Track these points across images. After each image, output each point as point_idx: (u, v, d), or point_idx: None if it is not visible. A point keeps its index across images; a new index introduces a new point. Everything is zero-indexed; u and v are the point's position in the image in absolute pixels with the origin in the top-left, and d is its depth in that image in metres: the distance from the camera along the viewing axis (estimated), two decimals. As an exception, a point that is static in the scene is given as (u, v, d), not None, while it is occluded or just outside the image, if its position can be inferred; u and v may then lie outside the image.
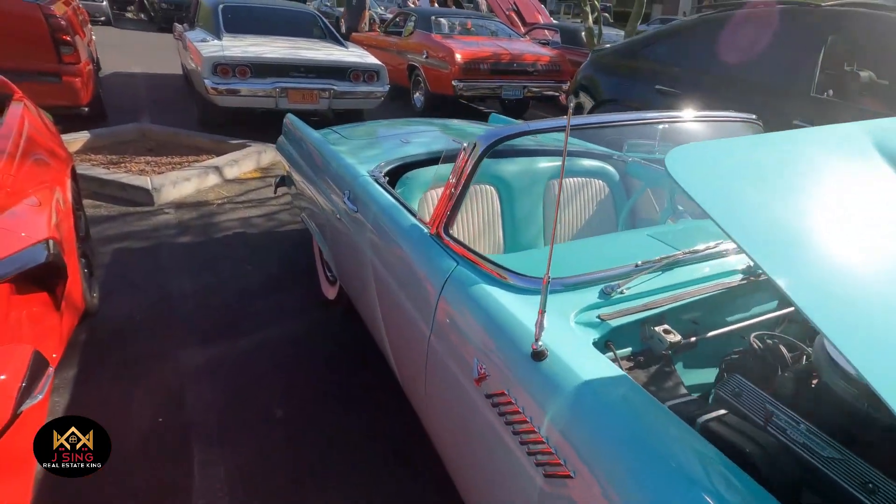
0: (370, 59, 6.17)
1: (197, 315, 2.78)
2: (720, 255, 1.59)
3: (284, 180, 3.42)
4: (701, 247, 1.58)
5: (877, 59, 3.37)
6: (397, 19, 9.06)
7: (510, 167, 2.55)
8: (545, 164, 2.64)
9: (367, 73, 5.90)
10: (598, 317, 1.33)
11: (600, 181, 2.74)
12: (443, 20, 8.04)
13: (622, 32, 10.09)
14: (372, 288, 2.00)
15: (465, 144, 1.66)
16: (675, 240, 1.68)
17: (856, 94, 3.26)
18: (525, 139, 3.02)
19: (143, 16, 18.55)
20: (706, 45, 3.63)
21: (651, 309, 1.38)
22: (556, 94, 7.78)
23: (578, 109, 4.70)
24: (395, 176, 2.37)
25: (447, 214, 1.64)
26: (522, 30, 10.01)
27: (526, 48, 7.67)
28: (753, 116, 1.98)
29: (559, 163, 2.70)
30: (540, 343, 1.15)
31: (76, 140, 4.84)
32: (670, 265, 1.51)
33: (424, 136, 2.93)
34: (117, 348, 2.47)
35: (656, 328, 1.35)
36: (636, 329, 1.37)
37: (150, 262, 3.26)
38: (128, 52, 10.90)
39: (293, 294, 3.05)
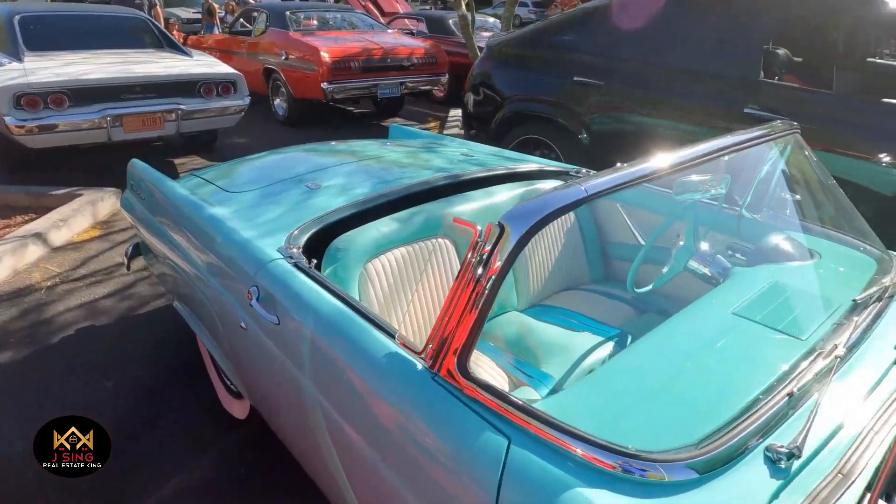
0: (222, 67, 5.13)
1: (39, 494, 1.80)
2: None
3: (139, 249, 2.48)
4: (840, 337, 1.09)
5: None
6: (242, 18, 7.91)
7: (467, 207, 1.91)
8: (504, 195, 2.03)
9: (220, 85, 4.88)
10: None
11: (565, 206, 2.20)
12: (299, 15, 7.08)
13: (491, 19, 9.76)
14: (330, 453, 1.27)
15: (478, 227, 0.99)
16: (788, 321, 1.16)
17: (780, 73, 3.05)
18: (467, 162, 2.41)
19: None
20: (633, 29, 3.22)
21: (852, 480, 0.85)
22: (433, 87, 7.21)
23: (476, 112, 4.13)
24: (317, 247, 1.63)
25: (465, 341, 0.96)
26: (383, 20, 9.29)
27: (397, 41, 6.99)
28: (795, 124, 1.52)
29: (519, 190, 2.12)
30: None
31: None
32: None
33: (335, 174, 2.15)
34: None
35: None
36: None
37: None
38: None
39: (183, 416, 2.15)
